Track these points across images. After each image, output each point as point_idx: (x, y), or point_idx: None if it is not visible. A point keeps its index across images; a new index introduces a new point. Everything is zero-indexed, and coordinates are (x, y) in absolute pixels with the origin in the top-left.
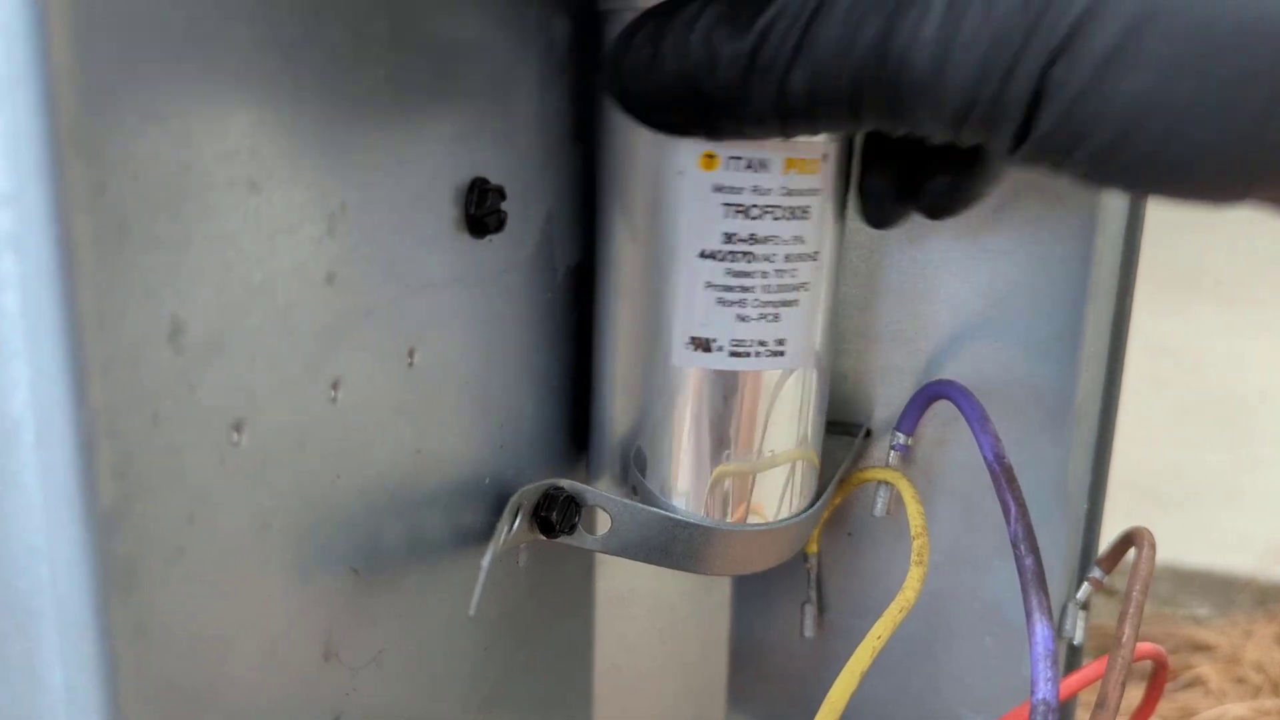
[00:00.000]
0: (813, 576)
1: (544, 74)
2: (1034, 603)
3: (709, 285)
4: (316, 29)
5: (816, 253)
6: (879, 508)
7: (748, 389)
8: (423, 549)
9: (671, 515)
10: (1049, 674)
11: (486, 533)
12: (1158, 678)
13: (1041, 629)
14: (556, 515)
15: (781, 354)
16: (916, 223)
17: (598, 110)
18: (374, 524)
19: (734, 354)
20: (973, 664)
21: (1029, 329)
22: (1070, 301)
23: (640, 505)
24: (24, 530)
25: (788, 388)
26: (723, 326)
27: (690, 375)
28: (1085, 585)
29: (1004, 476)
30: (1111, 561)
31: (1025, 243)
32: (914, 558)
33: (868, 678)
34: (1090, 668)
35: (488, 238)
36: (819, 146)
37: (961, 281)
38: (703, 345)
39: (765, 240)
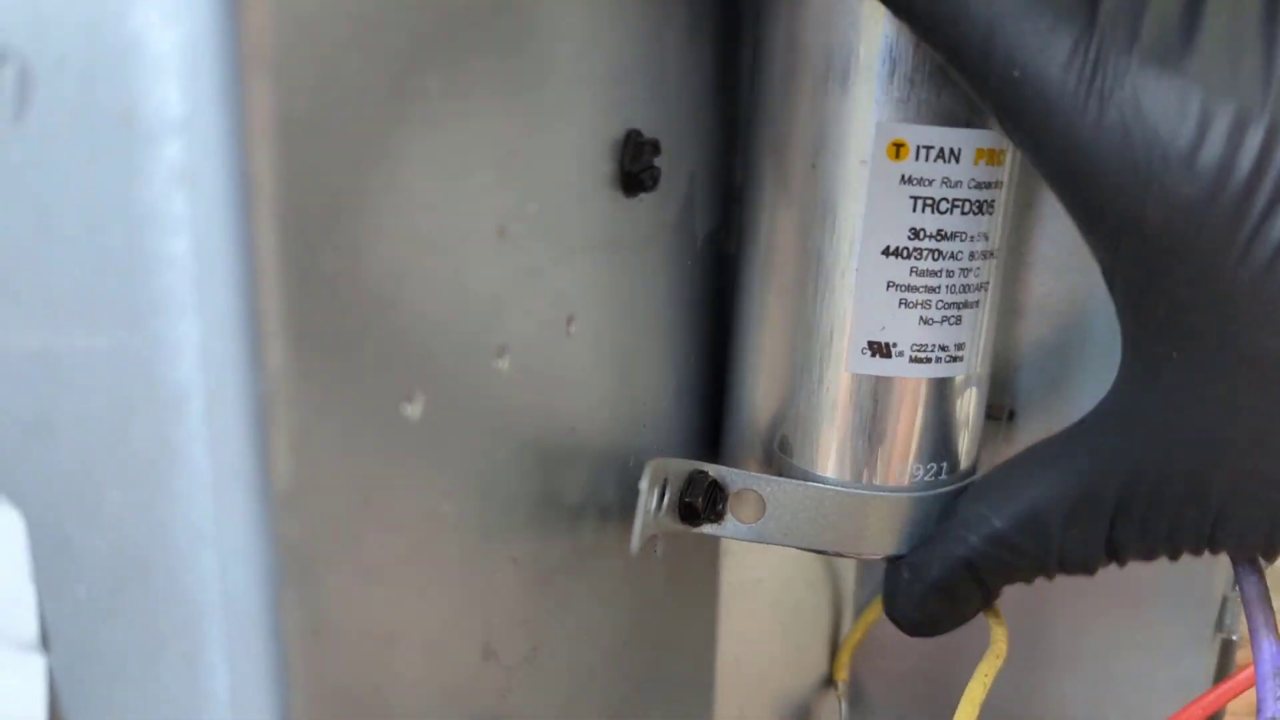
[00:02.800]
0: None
1: (694, 13)
2: (1259, 619)
3: (892, 285)
4: None
5: (997, 249)
6: None
7: (923, 395)
8: (572, 536)
9: (840, 487)
10: (1277, 692)
11: (628, 518)
12: None
13: (1269, 645)
14: (702, 501)
15: (960, 359)
16: None
17: (755, 64)
18: (532, 509)
19: (915, 360)
20: (1115, 664)
21: None
22: None
23: (800, 482)
24: (190, 514)
25: (961, 393)
26: (905, 330)
27: (863, 380)
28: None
29: None
30: None
31: None
32: (991, 619)
33: (996, 692)
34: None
35: (639, 196)
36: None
37: None
38: (882, 350)
39: (953, 236)
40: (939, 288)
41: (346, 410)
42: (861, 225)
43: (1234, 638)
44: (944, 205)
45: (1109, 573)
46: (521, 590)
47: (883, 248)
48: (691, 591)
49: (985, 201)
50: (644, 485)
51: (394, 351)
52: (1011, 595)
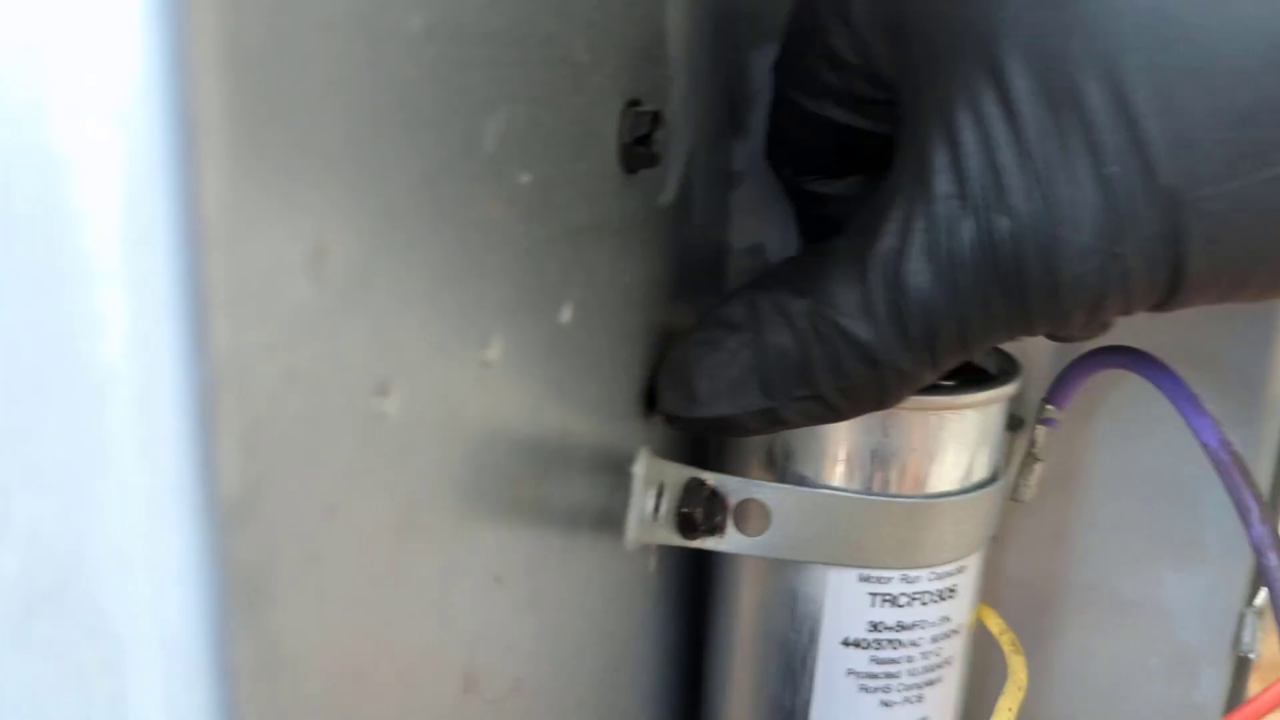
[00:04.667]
0: None
1: None
2: None
3: (851, 673)
4: None
5: (961, 626)
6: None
7: None
8: (562, 551)
9: (853, 494)
10: None
11: (622, 530)
12: None
13: None
14: (700, 512)
15: None
16: None
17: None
18: (519, 522)
19: None
20: (1133, 690)
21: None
22: None
23: (810, 489)
24: (114, 530)
25: None
26: (864, 713)
27: None
28: (1263, 591)
29: (1236, 469)
30: None
31: None
32: (1009, 650)
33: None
34: (1270, 693)
35: (639, 173)
36: (962, 548)
37: None
38: None
39: (913, 626)
40: (899, 673)
41: (309, 403)
42: (825, 618)
43: (1251, 656)
44: (903, 600)
45: (1124, 592)
46: (506, 612)
47: (842, 639)
48: (690, 612)
49: (946, 589)
50: (637, 471)
51: (367, 335)
52: (1023, 619)
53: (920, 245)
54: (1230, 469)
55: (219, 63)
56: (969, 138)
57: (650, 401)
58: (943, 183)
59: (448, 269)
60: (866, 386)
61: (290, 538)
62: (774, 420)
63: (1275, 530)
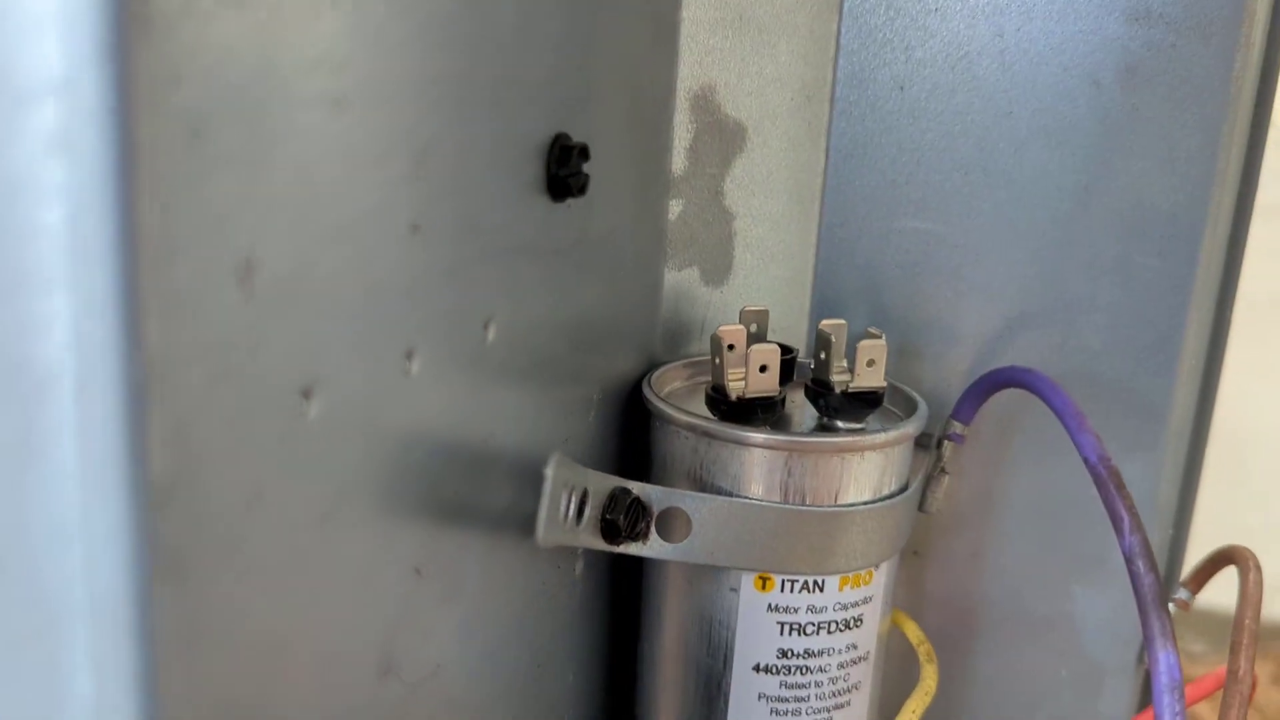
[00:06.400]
0: None
1: (630, 25)
2: (1155, 627)
3: (763, 696)
4: None
5: (869, 653)
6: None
7: None
8: (484, 550)
9: (769, 503)
10: (1175, 708)
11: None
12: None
13: (1166, 657)
14: (624, 519)
15: None
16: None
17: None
18: (440, 519)
19: None
20: (1044, 700)
21: (1128, 335)
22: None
23: (729, 499)
24: (53, 506)
25: None
26: None
27: None
28: (1171, 607)
29: (1112, 482)
30: (1199, 582)
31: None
32: (924, 659)
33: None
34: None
35: (566, 202)
36: (872, 556)
37: (1047, 288)
38: None
39: (820, 653)
40: (808, 697)
41: (235, 401)
42: (736, 645)
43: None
44: (810, 629)
45: (1037, 607)
46: (426, 602)
47: (753, 664)
48: (622, 618)
49: (853, 619)
50: (548, 472)
51: (292, 343)
52: (943, 632)
53: None
54: (1106, 482)
55: (153, 104)
56: None
57: None
58: None
59: (371, 286)
60: None
61: (214, 521)
62: None
63: (1145, 541)
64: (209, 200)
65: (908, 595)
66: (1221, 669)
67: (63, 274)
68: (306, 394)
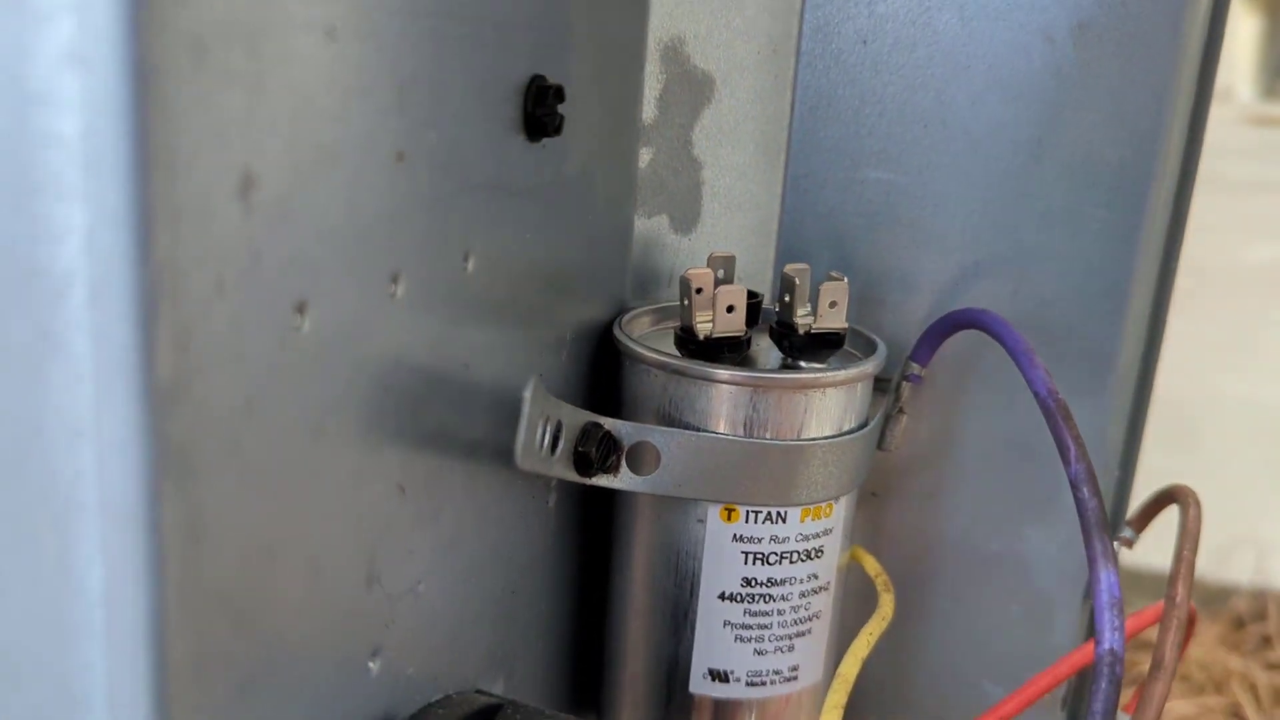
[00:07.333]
0: None
1: None
2: (1097, 548)
3: (728, 624)
4: None
5: (829, 583)
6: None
7: (763, 712)
8: (464, 476)
9: (734, 437)
10: (1115, 623)
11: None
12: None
13: (1106, 576)
14: (596, 451)
15: (795, 679)
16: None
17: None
18: (422, 440)
19: (750, 684)
20: (997, 634)
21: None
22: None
23: (695, 432)
24: (68, 405)
25: (799, 703)
26: (740, 660)
27: (707, 702)
28: (1115, 544)
29: (1060, 414)
30: (1143, 521)
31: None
32: (881, 588)
33: (881, 650)
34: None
35: (541, 142)
36: (833, 489)
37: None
38: (720, 677)
39: (783, 582)
40: (771, 624)
41: (234, 310)
42: (703, 574)
43: None
44: (773, 558)
45: (990, 545)
46: (408, 520)
47: (719, 593)
48: (597, 549)
49: (813, 549)
50: (526, 395)
51: (288, 258)
52: (900, 565)
53: None
54: (1054, 414)
55: (162, 22)
56: None
57: None
58: None
59: (359, 209)
60: None
61: (214, 422)
62: None
63: (1090, 469)
64: (213, 118)
65: (867, 536)
66: (1160, 603)
67: (78, 184)
68: (300, 309)
